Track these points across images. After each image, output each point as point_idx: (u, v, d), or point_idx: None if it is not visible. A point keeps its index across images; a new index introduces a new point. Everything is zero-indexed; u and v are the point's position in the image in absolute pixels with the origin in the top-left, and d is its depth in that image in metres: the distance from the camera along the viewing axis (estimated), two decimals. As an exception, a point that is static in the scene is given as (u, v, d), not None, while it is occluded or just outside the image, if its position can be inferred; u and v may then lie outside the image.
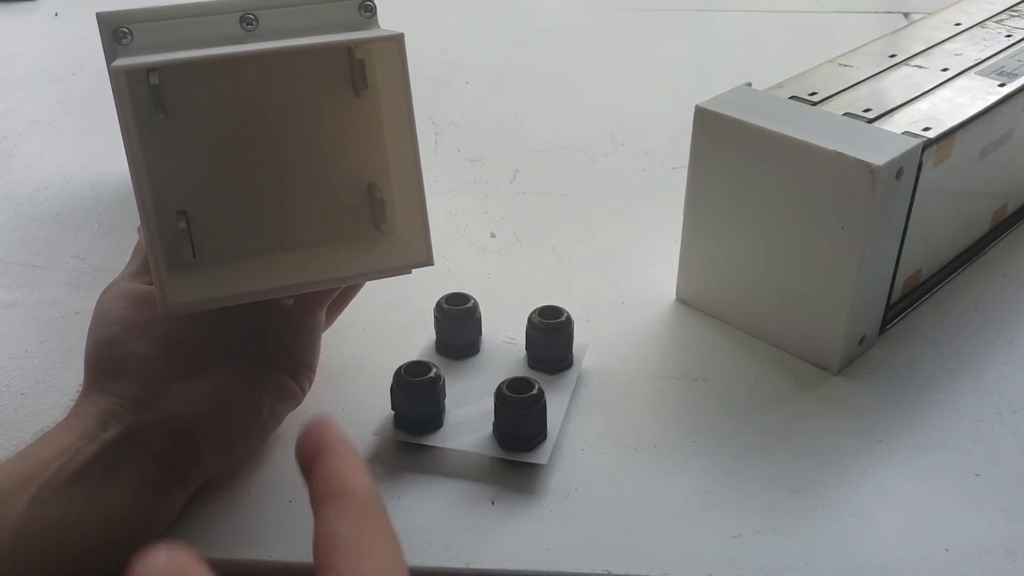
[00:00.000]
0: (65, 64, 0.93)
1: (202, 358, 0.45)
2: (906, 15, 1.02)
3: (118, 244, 0.64)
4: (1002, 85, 0.59)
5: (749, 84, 0.57)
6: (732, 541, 0.44)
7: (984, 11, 0.70)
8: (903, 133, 0.52)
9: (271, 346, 0.47)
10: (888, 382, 0.54)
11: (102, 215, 0.69)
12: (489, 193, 0.72)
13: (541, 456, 0.47)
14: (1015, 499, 0.46)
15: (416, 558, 0.43)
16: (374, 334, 0.57)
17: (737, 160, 0.53)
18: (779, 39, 0.99)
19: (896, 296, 0.57)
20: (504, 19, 1.05)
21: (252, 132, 0.47)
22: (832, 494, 0.47)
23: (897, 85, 0.59)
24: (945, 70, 0.61)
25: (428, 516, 0.45)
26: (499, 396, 0.47)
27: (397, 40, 0.43)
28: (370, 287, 0.52)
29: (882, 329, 0.56)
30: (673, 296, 0.60)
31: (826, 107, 0.56)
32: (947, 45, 0.65)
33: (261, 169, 0.47)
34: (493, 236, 0.66)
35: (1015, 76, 0.60)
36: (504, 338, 0.55)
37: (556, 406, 0.49)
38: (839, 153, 0.49)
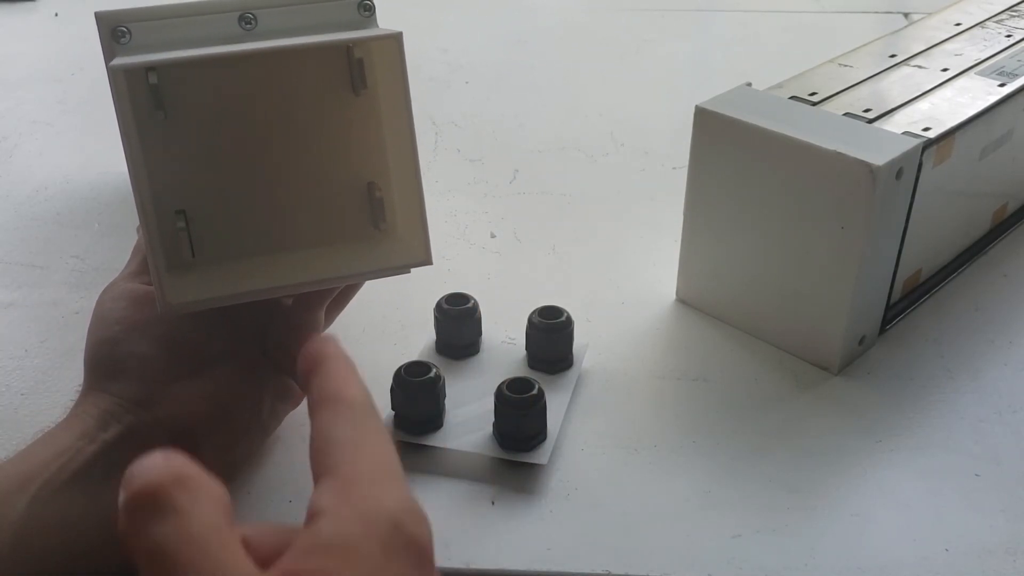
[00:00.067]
0: (65, 64, 0.93)
1: (202, 358, 0.45)
2: (906, 15, 1.02)
3: (118, 244, 0.64)
4: (1002, 85, 0.59)
5: (749, 84, 0.57)
6: (732, 541, 0.44)
7: (984, 11, 0.70)
8: (903, 133, 0.52)
9: (271, 346, 0.47)
10: (888, 382, 0.54)
11: (102, 215, 0.69)
12: (489, 193, 0.72)
13: (541, 456, 0.47)
14: (1015, 499, 0.46)
15: (416, 558, 0.43)
16: (374, 334, 0.57)
17: (737, 160, 0.53)
18: (779, 39, 0.99)
19: (896, 296, 0.57)
20: (504, 19, 1.05)
21: (251, 131, 0.47)
22: (832, 494, 0.47)
23: (897, 85, 0.59)
24: (945, 70, 0.61)
25: (428, 516, 0.45)
26: (499, 396, 0.47)
27: (396, 39, 0.43)
28: (370, 287, 0.52)
29: (882, 329, 0.56)
30: (673, 296, 0.60)
31: (826, 107, 0.56)
32: (947, 45, 0.65)
33: (260, 168, 0.47)
34: (493, 236, 0.66)
35: (1015, 76, 0.60)
36: (504, 338, 0.55)
37: (556, 406, 0.49)
38: (839, 153, 0.49)
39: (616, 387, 0.53)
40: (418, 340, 0.55)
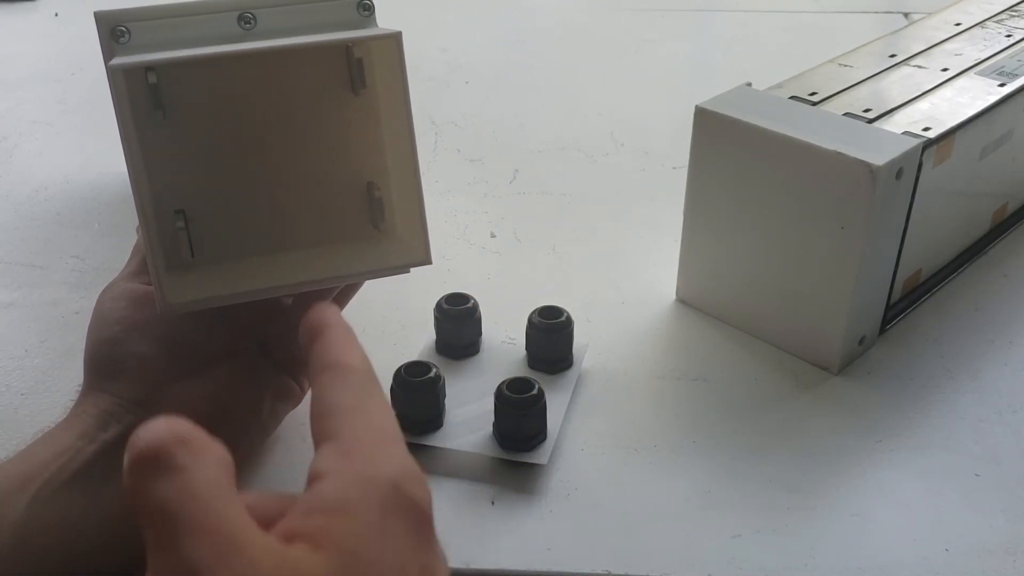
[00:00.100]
0: (65, 64, 0.93)
1: (202, 358, 0.45)
2: (906, 15, 1.02)
3: (118, 244, 0.64)
4: (1002, 85, 0.59)
5: (749, 84, 0.57)
6: (732, 541, 0.44)
7: (984, 11, 0.70)
8: (903, 133, 0.52)
9: (271, 346, 0.47)
10: (888, 382, 0.54)
11: (102, 215, 0.69)
12: (489, 193, 0.72)
13: (541, 456, 0.47)
14: (1015, 499, 0.46)
15: (416, 558, 0.43)
16: (374, 334, 0.57)
17: (737, 160, 0.53)
18: (779, 39, 0.99)
19: (896, 296, 0.57)
20: (503, 19, 1.05)
21: (250, 131, 0.47)
22: (832, 494, 0.47)
23: (897, 85, 0.59)
24: (945, 70, 0.61)
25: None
26: (499, 396, 0.47)
27: (395, 38, 0.43)
28: (370, 287, 0.52)
29: (882, 329, 0.56)
30: (673, 296, 0.60)
31: (826, 107, 0.56)
32: (947, 45, 0.65)
33: (259, 168, 0.47)
34: (493, 236, 0.66)
35: (1015, 76, 0.60)
36: (504, 338, 0.55)
37: (556, 406, 0.49)
38: (839, 153, 0.49)
39: (616, 387, 0.53)
40: (418, 340, 0.55)
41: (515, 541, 0.44)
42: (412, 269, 0.47)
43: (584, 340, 0.54)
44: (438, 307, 0.53)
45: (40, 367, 0.55)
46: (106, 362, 0.44)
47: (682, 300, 0.60)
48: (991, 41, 0.65)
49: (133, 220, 0.43)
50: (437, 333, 0.54)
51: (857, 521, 0.45)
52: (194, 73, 0.45)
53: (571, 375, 0.52)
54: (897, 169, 0.49)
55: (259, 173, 0.47)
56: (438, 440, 0.48)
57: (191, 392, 0.44)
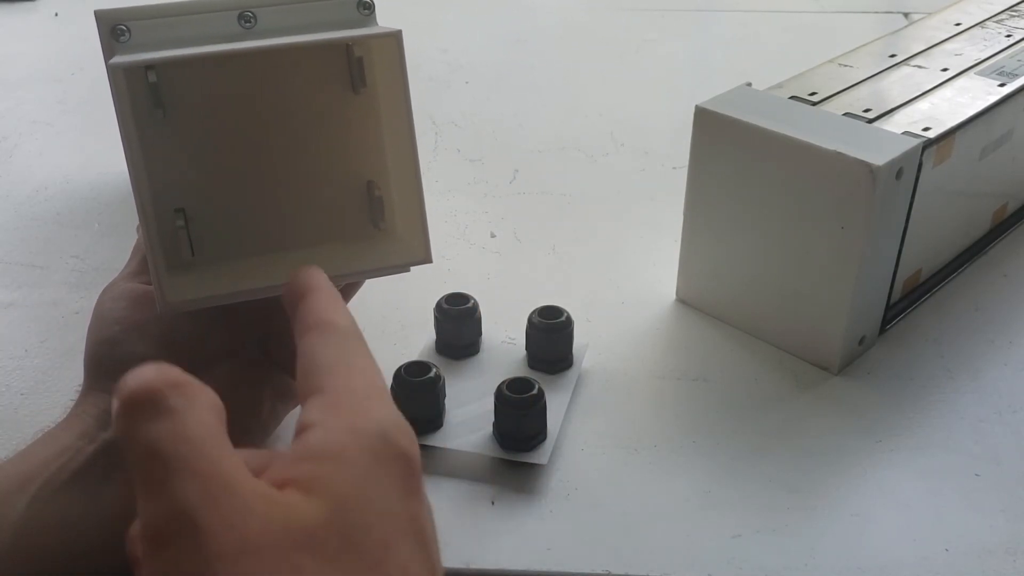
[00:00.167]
0: (65, 64, 0.93)
1: (202, 357, 0.45)
2: (906, 15, 1.02)
3: (118, 244, 0.64)
4: (1002, 85, 0.59)
5: (749, 84, 0.57)
6: (732, 541, 0.44)
7: (984, 11, 0.70)
8: (903, 133, 0.52)
9: (271, 345, 0.47)
10: (888, 382, 0.54)
11: (102, 215, 0.69)
12: (489, 193, 0.72)
13: (541, 456, 0.47)
14: (1015, 499, 0.46)
15: (416, 558, 0.43)
16: (374, 334, 0.56)
17: (737, 160, 0.53)
18: (779, 39, 0.99)
19: (896, 296, 0.57)
20: (504, 19, 1.05)
21: (250, 130, 0.47)
22: (832, 494, 0.47)
23: (897, 85, 0.59)
24: (945, 70, 0.61)
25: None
26: (499, 396, 0.47)
27: (395, 37, 0.43)
28: (370, 287, 0.52)
29: (882, 329, 0.56)
30: (673, 296, 0.60)
31: (826, 107, 0.56)
32: (947, 45, 0.65)
33: (259, 167, 0.47)
34: (493, 236, 0.66)
35: (1015, 76, 0.60)
36: (504, 338, 0.55)
37: (556, 406, 0.49)
38: (839, 153, 0.49)
39: (616, 387, 0.53)
40: (418, 340, 0.55)
41: (515, 541, 0.44)
42: (412, 269, 0.47)
43: (584, 340, 0.54)
44: (438, 307, 0.53)
45: (40, 367, 0.55)
46: (106, 362, 0.44)
47: (682, 300, 0.60)
48: (991, 41, 0.65)
49: (133, 220, 0.43)
50: (437, 333, 0.54)
51: (857, 521, 0.45)
52: (194, 72, 0.45)
53: (571, 375, 0.52)
54: (897, 169, 0.49)
55: (259, 172, 0.47)
56: (438, 440, 0.48)
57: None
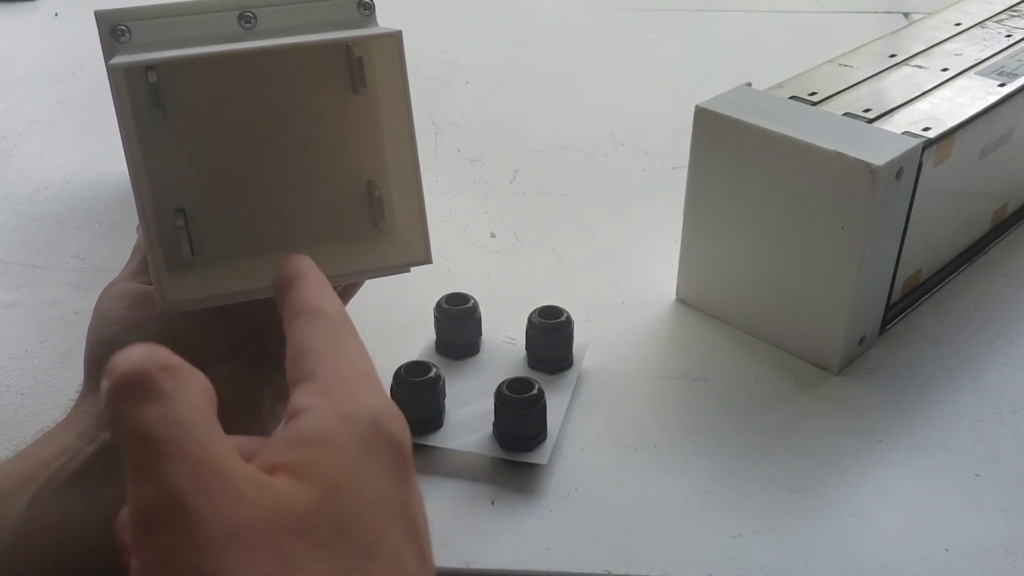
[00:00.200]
0: (65, 64, 0.93)
1: (201, 358, 0.44)
2: (906, 15, 1.02)
3: (118, 244, 0.64)
4: (1002, 85, 0.59)
5: (749, 84, 0.57)
6: (732, 541, 0.44)
7: (984, 11, 0.70)
8: (903, 133, 0.52)
9: (271, 345, 0.47)
10: (888, 382, 0.54)
11: (102, 215, 0.69)
12: (489, 193, 0.72)
13: (541, 456, 0.47)
14: (1015, 499, 0.46)
15: (416, 558, 0.43)
16: (374, 334, 0.57)
17: (737, 160, 0.53)
18: (779, 39, 0.99)
19: (896, 296, 0.57)
20: (504, 19, 1.05)
21: (250, 130, 0.47)
22: (832, 494, 0.47)
23: (897, 85, 0.59)
24: (945, 70, 0.61)
25: (428, 516, 0.45)
26: (499, 396, 0.47)
27: (395, 38, 0.43)
28: (370, 287, 0.52)
29: (882, 329, 0.56)
30: (673, 296, 0.60)
31: (826, 107, 0.56)
32: (947, 45, 0.65)
33: (259, 167, 0.47)
34: (493, 236, 0.66)
35: (1015, 76, 0.60)
36: (504, 338, 0.55)
37: (556, 406, 0.49)
38: (839, 153, 0.49)
39: (616, 387, 0.53)
40: (418, 340, 0.55)
41: (515, 541, 0.44)
42: (412, 269, 0.47)
43: (584, 340, 0.54)
44: (438, 307, 0.53)
45: (40, 367, 0.55)
46: (106, 362, 0.44)
47: (682, 300, 0.60)
48: (991, 41, 0.65)
49: (133, 220, 0.43)
50: (437, 333, 0.54)
51: (857, 521, 0.45)
52: (194, 72, 0.45)
53: (571, 375, 0.52)
54: (897, 169, 0.49)
55: (259, 172, 0.47)
56: (438, 440, 0.48)
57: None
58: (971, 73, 0.61)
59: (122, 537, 0.27)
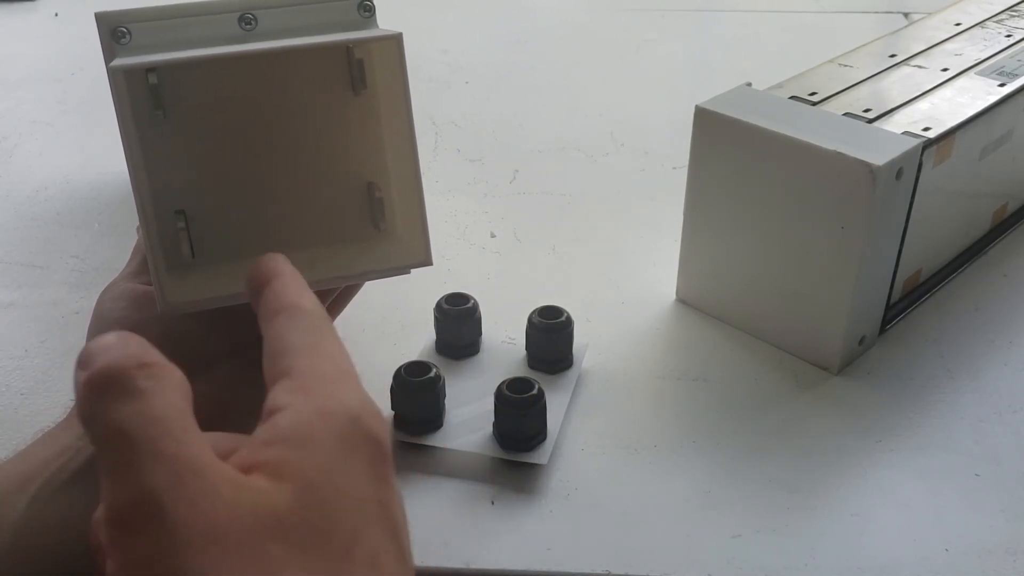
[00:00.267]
0: (65, 64, 0.93)
1: (202, 358, 0.45)
2: (906, 15, 1.02)
3: (118, 244, 0.64)
4: (1002, 85, 0.59)
5: (749, 84, 0.57)
6: (732, 541, 0.44)
7: (984, 11, 0.70)
8: (903, 133, 0.52)
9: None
10: (888, 382, 0.54)
11: (102, 215, 0.69)
12: (489, 193, 0.72)
13: (541, 456, 0.47)
14: (1015, 499, 0.46)
15: (416, 558, 0.43)
16: (374, 334, 0.57)
17: (737, 160, 0.53)
18: (779, 39, 0.99)
19: (896, 296, 0.57)
20: (504, 19, 1.05)
21: (251, 131, 0.47)
22: (832, 494, 0.47)
23: (897, 85, 0.59)
24: (945, 70, 0.61)
25: (428, 516, 0.45)
26: (499, 396, 0.47)
27: (396, 40, 0.43)
28: (370, 287, 0.52)
29: (882, 329, 0.56)
30: (673, 296, 0.60)
31: (826, 107, 0.56)
32: (947, 45, 0.65)
33: (260, 168, 0.47)
34: (493, 236, 0.66)
35: (1015, 76, 0.60)
36: (504, 338, 0.55)
37: (556, 406, 0.49)
38: (839, 153, 0.49)
39: (616, 387, 0.53)
40: (418, 340, 0.55)
41: (515, 541, 0.44)
42: (412, 269, 0.47)
43: (584, 340, 0.54)
44: (438, 307, 0.53)
45: (40, 367, 0.55)
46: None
47: (682, 300, 0.60)
48: (991, 41, 0.65)
49: (133, 220, 0.43)
50: (437, 333, 0.54)
51: (857, 521, 0.45)
52: (195, 74, 0.45)
53: (571, 375, 0.52)
54: (897, 169, 0.49)
55: (260, 173, 0.48)
56: (438, 440, 0.48)
57: (192, 392, 0.44)
58: (971, 73, 0.61)
59: (97, 538, 0.27)
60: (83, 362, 0.26)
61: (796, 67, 0.61)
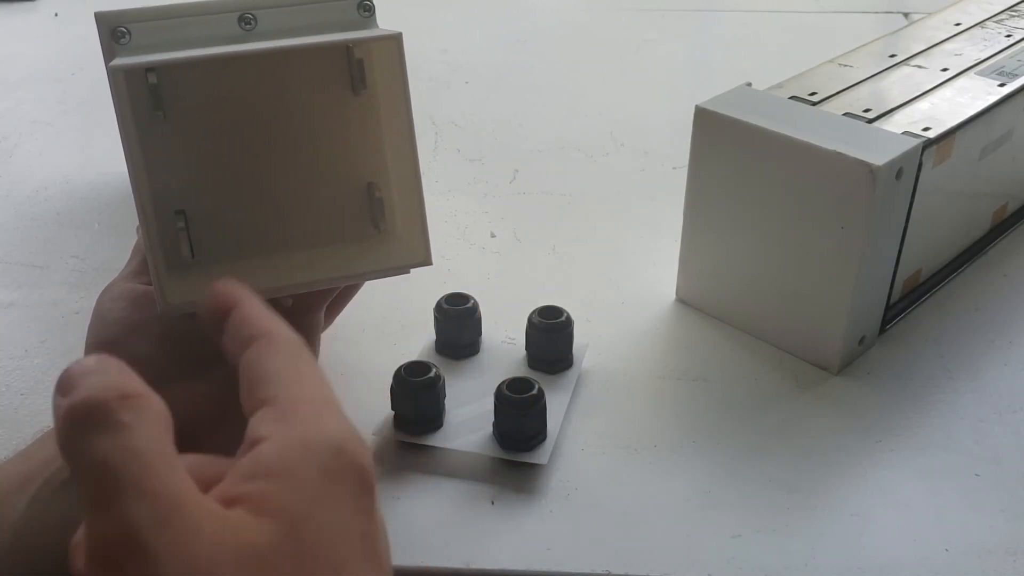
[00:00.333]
0: (65, 64, 0.93)
1: (201, 358, 0.45)
2: (906, 15, 1.02)
3: (118, 244, 0.64)
4: (1002, 85, 0.59)
5: (749, 84, 0.57)
6: (732, 541, 0.44)
7: (984, 11, 0.70)
8: (903, 133, 0.52)
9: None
10: (888, 382, 0.54)
11: (102, 215, 0.69)
12: (489, 193, 0.72)
13: (541, 456, 0.47)
14: (1015, 499, 0.46)
15: (416, 558, 0.43)
16: (374, 334, 0.57)
17: (737, 160, 0.53)
18: (779, 39, 0.99)
19: (896, 296, 0.57)
20: (504, 19, 1.05)
21: (251, 131, 0.47)
22: (832, 494, 0.47)
23: (897, 85, 0.59)
24: (945, 70, 0.61)
25: (428, 516, 0.45)
26: (499, 396, 0.47)
27: (395, 39, 0.43)
28: (370, 287, 0.52)
29: (882, 329, 0.56)
30: (673, 296, 0.60)
31: (826, 107, 0.56)
32: (947, 45, 0.65)
33: (260, 168, 0.47)
34: (493, 236, 0.66)
35: (1015, 76, 0.60)
36: (504, 338, 0.55)
37: (556, 406, 0.49)
38: (839, 153, 0.49)
39: (616, 387, 0.53)
40: (418, 340, 0.55)
41: (515, 541, 0.44)
42: (412, 269, 0.47)
43: (584, 340, 0.54)
44: (438, 307, 0.53)
45: (40, 367, 0.55)
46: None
47: (682, 300, 0.60)
48: (991, 41, 0.65)
49: (133, 220, 0.43)
50: (437, 333, 0.54)
51: (857, 521, 0.45)
52: (195, 74, 0.45)
53: (571, 375, 0.52)
54: (897, 169, 0.49)
55: (259, 173, 0.48)
56: (438, 440, 0.48)
57: (191, 392, 0.44)
58: (971, 73, 0.61)
59: (76, 563, 0.27)
60: (63, 387, 0.26)
61: (796, 67, 0.61)
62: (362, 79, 0.46)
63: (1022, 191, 0.67)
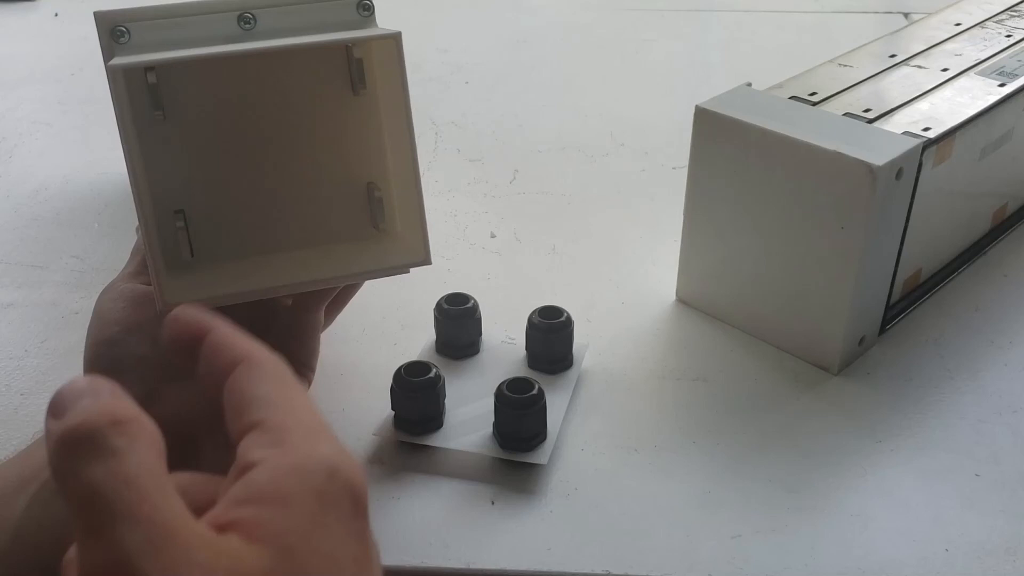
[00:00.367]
0: (65, 64, 0.93)
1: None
2: (906, 15, 1.02)
3: (118, 244, 0.64)
4: (1002, 85, 0.59)
5: (749, 84, 0.57)
6: (732, 541, 0.44)
7: (984, 11, 0.70)
8: (903, 133, 0.52)
9: (270, 346, 0.47)
10: (888, 382, 0.54)
11: (102, 215, 0.69)
12: (489, 193, 0.72)
13: (541, 456, 0.47)
14: (1015, 499, 0.46)
15: (416, 558, 0.43)
16: (374, 334, 0.57)
17: (737, 160, 0.53)
18: (779, 39, 0.99)
19: (896, 296, 0.57)
20: (504, 19, 1.05)
21: (250, 131, 0.47)
22: (832, 494, 0.47)
23: (897, 85, 0.59)
24: (945, 70, 0.61)
25: (428, 516, 0.45)
26: (499, 396, 0.47)
27: (395, 39, 0.43)
28: (370, 287, 0.52)
29: (882, 329, 0.56)
30: (673, 296, 0.60)
31: (826, 107, 0.56)
32: (947, 45, 0.65)
33: (259, 168, 0.47)
34: (493, 236, 0.66)
35: (1015, 76, 0.60)
36: (504, 338, 0.55)
37: (556, 406, 0.49)
38: (839, 153, 0.49)
39: (616, 387, 0.53)
40: (418, 340, 0.55)
41: (515, 541, 0.44)
42: (412, 269, 0.47)
43: (584, 340, 0.54)
44: (438, 307, 0.53)
45: (40, 367, 0.55)
46: (105, 362, 0.44)
47: (682, 300, 0.60)
48: (991, 41, 0.65)
49: (133, 220, 0.43)
50: (437, 333, 0.54)
51: (857, 521, 0.45)
52: (194, 73, 0.45)
53: (571, 375, 0.52)
54: (897, 169, 0.49)
55: (259, 173, 0.47)
56: (438, 440, 0.48)
57: (190, 392, 0.43)
58: (971, 73, 0.61)
59: None
60: (55, 410, 0.26)
61: (796, 67, 0.61)
62: (361, 79, 0.46)
63: (1022, 191, 0.67)
